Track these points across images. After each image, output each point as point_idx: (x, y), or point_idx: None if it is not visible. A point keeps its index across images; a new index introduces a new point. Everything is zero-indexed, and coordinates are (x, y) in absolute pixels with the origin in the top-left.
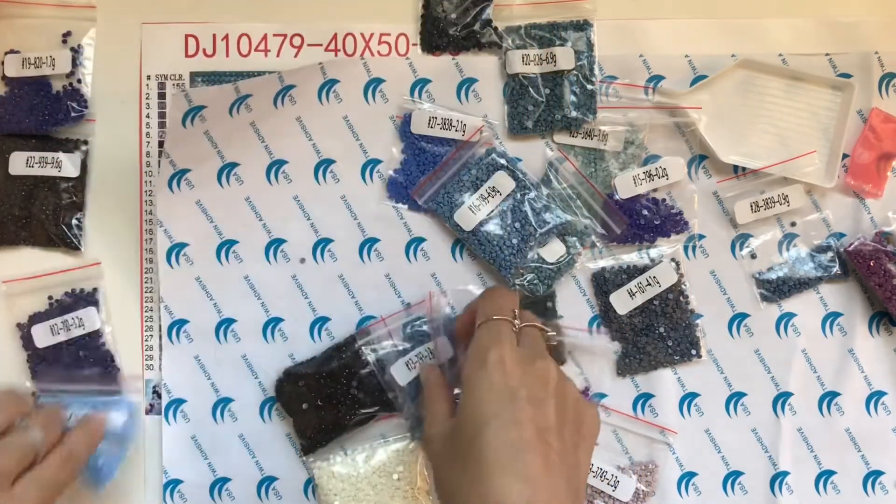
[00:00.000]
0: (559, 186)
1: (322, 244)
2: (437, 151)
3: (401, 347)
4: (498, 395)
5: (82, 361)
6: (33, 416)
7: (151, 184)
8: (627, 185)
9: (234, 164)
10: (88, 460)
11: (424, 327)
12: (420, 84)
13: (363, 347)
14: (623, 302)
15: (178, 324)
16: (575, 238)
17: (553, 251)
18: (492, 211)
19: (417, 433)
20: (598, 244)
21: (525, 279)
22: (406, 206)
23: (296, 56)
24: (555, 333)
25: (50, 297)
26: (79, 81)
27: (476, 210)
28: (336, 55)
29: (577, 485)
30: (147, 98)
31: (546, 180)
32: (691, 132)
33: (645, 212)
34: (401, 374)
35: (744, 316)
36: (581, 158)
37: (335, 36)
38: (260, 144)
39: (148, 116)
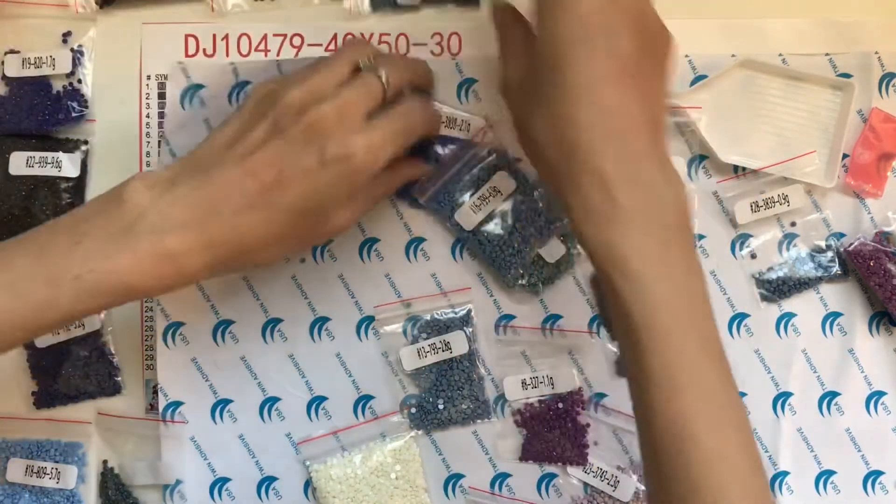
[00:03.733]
0: None
1: (322, 244)
2: (440, 149)
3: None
4: (574, 24)
5: (82, 361)
6: (379, 59)
7: None
8: None
9: None
10: None
11: (444, 317)
12: None
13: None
14: None
15: (174, 327)
16: (573, 241)
17: (553, 251)
18: (493, 211)
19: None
20: None
21: (525, 279)
22: (406, 203)
23: (296, 56)
24: None
25: None
26: (79, 81)
27: (477, 210)
28: None
29: (657, 118)
30: (147, 98)
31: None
32: (691, 132)
33: None
34: (410, 359)
35: (744, 316)
36: None
37: (335, 36)
38: None
39: (148, 116)
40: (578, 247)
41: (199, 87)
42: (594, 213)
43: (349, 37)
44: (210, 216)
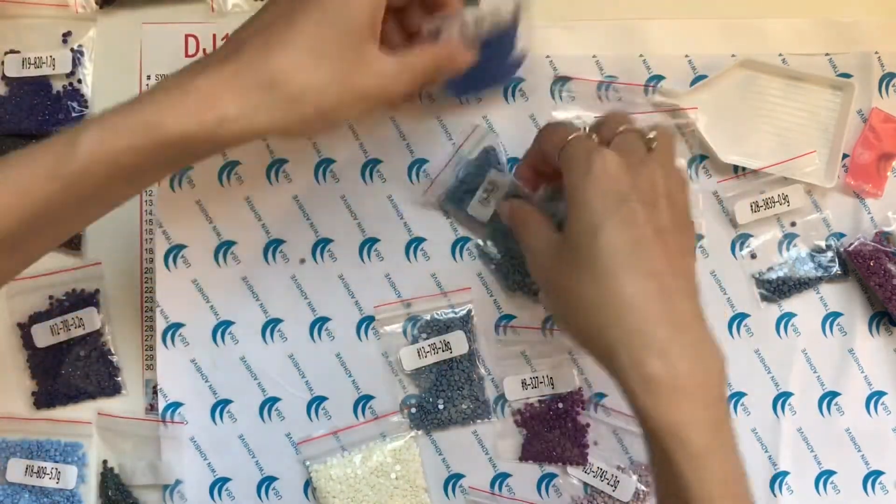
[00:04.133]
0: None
1: (322, 244)
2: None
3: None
4: (609, 198)
5: (82, 361)
6: None
7: None
8: None
9: (235, 163)
10: None
11: (444, 317)
12: None
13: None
14: None
15: (174, 328)
16: None
17: None
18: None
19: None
20: None
21: (526, 287)
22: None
23: None
24: (654, 135)
25: (50, 297)
26: (79, 81)
27: (486, 203)
28: None
29: (692, 278)
30: None
31: (556, 193)
32: (691, 132)
33: None
34: (410, 359)
35: (744, 316)
36: None
37: None
38: (262, 142)
39: None
40: None
41: None
42: (654, 385)
43: None
44: (234, 51)
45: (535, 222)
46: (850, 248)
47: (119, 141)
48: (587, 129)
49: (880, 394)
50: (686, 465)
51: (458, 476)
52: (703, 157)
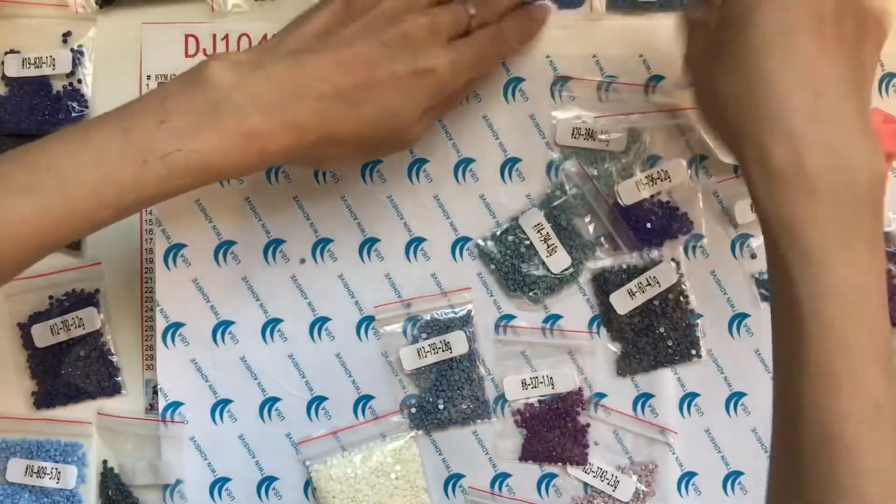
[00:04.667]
0: (572, 197)
1: (322, 244)
2: None
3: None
4: None
5: (82, 361)
6: None
7: None
8: (631, 190)
9: None
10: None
11: (444, 317)
12: None
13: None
14: (623, 302)
15: (174, 327)
16: (582, 252)
17: (558, 262)
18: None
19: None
20: (603, 256)
21: (528, 291)
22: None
23: None
24: None
25: (50, 297)
26: (79, 81)
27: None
28: None
29: (859, 81)
30: None
31: (557, 193)
32: (691, 132)
33: (651, 216)
34: (410, 359)
35: (744, 316)
36: (583, 160)
37: None
38: None
39: None
40: (586, 263)
41: None
42: (776, 177)
43: None
44: (298, 99)
45: (694, 19)
46: None
47: (182, 183)
48: None
49: None
50: (798, 271)
51: (458, 476)
52: (703, 158)
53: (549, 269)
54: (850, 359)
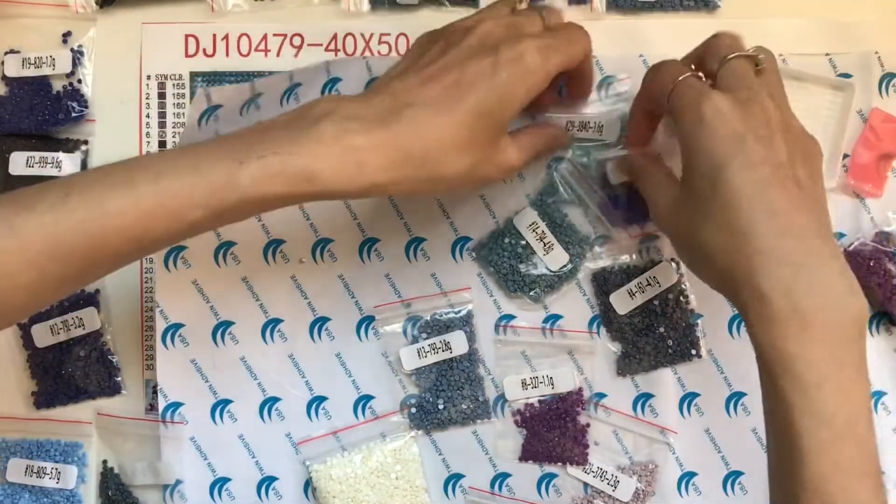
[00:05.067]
0: (565, 193)
1: (322, 244)
2: None
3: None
4: (725, 141)
5: (82, 361)
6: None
7: None
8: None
9: None
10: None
11: (444, 317)
12: None
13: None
14: (623, 302)
15: (173, 328)
16: (579, 247)
17: (556, 259)
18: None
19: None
20: (599, 248)
21: (529, 290)
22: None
23: (296, 56)
24: (764, 56)
25: None
26: (79, 81)
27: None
28: (336, 55)
29: (822, 215)
30: (147, 98)
31: (548, 191)
32: None
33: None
34: (410, 359)
35: None
36: (576, 150)
37: (335, 36)
38: None
39: (148, 116)
40: (584, 257)
41: (217, 107)
42: (773, 319)
43: (349, 36)
44: (394, 116)
45: (655, 174)
46: (850, 249)
47: (276, 187)
48: (691, 62)
49: (880, 394)
50: (794, 399)
51: (458, 476)
52: None
53: (547, 267)
54: (843, 477)
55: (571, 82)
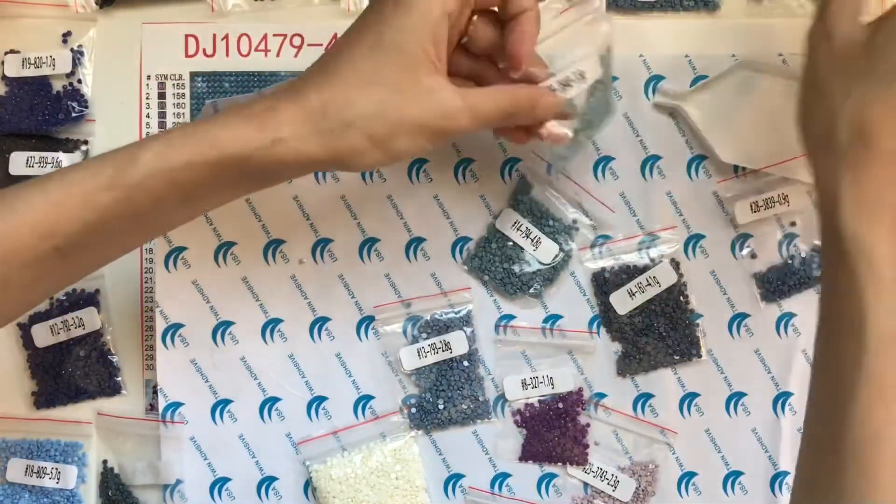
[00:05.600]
0: (536, 193)
1: (322, 244)
2: None
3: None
4: None
5: (82, 361)
6: None
7: None
8: None
9: None
10: None
11: (444, 317)
12: None
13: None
14: (623, 302)
15: (173, 328)
16: (566, 235)
17: (546, 252)
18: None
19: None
20: (590, 235)
21: (525, 289)
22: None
23: (296, 56)
24: None
25: (50, 298)
26: (79, 81)
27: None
28: None
29: None
30: (147, 98)
31: (522, 189)
32: (691, 132)
33: None
34: (410, 359)
35: (744, 316)
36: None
37: (335, 36)
38: None
39: (148, 116)
40: (571, 243)
41: None
42: (870, 207)
43: None
44: (303, 76)
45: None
46: None
47: (177, 156)
48: None
49: None
50: (870, 292)
51: (458, 476)
52: (703, 157)
53: (540, 262)
54: None
55: (510, 25)
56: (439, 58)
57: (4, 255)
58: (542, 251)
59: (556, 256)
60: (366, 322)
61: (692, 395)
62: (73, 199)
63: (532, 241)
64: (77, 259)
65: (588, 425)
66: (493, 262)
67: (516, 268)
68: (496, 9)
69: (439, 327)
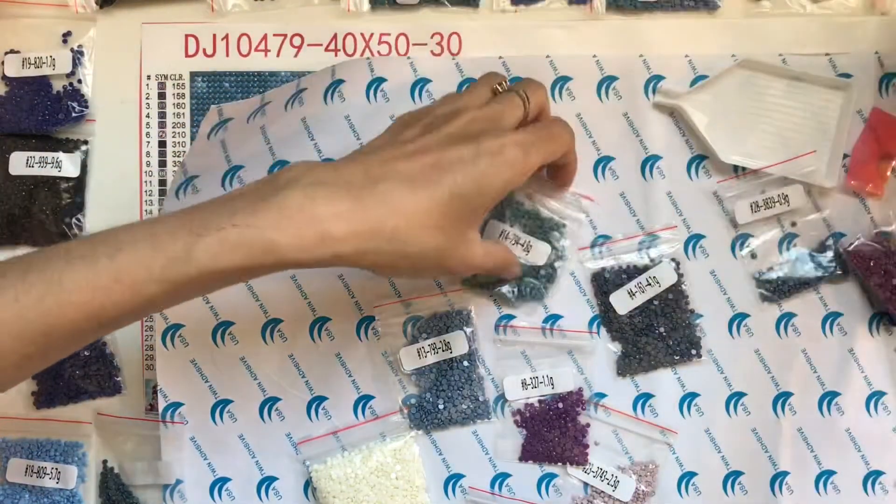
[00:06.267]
0: (517, 198)
1: None
2: None
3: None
4: None
5: (82, 361)
6: (515, 83)
7: (151, 184)
8: None
9: (238, 167)
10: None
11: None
12: (420, 84)
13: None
14: (623, 302)
15: (173, 328)
16: (556, 232)
17: (539, 253)
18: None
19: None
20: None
21: (533, 292)
22: None
23: (296, 56)
24: None
25: None
26: (79, 81)
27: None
28: (336, 55)
29: None
30: (147, 98)
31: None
32: (691, 132)
33: None
34: (410, 359)
35: (744, 316)
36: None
37: (335, 36)
38: (265, 147)
39: (148, 116)
40: (562, 241)
41: (228, 120)
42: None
43: (349, 36)
44: (366, 187)
45: None
46: (850, 248)
47: (234, 260)
48: None
49: (880, 394)
50: None
51: (458, 476)
52: (703, 157)
53: (534, 266)
54: None
55: (554, 172)
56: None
57: (48, 329)
58: (535, 254)
59: (550, 255)
60: (366, 322)
61: (692, 395)
62: (122, 286)
63: (523, 246)
64: (110, 330)
65: (588, 425)
66: (489, 276)
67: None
68: None
69: (439, 327)
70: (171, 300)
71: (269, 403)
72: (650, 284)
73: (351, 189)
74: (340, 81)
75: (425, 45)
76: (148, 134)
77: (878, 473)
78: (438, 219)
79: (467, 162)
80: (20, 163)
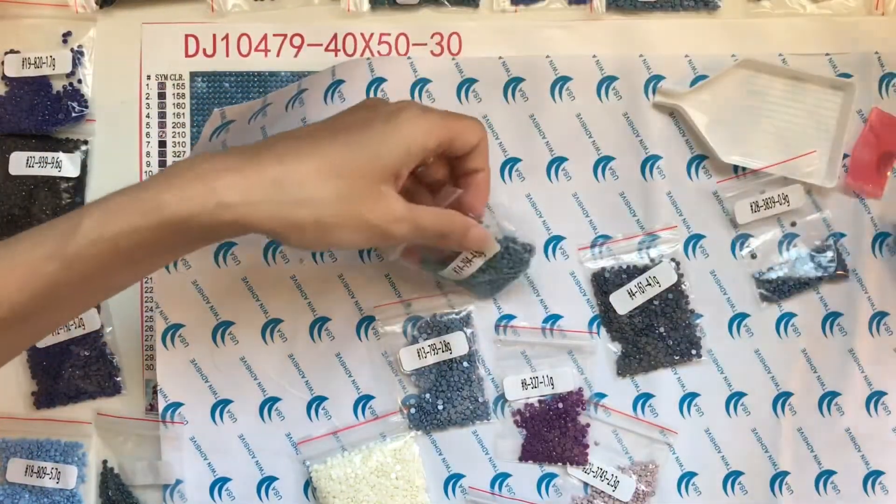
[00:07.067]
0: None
1: None
2: None
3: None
4: None
5: (82, 361)
6: None
7: None
8: None
9: None
10: None
11: (444, 317)
12: (420, 84)
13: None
14: (623, 302)
15: (173, 328)
16: (513, 245)
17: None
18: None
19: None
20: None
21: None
22: None
23: (296, 56)
24: None
25: None
26: (79, 81)
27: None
28: (336, 55)
29: None
30: (147, 98)
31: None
32: (691, 132)
33: None
34: (410, 360)
35: (744, 316)
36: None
37: (335, 36)
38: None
39: (148, 116)
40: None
41: (230, 122)
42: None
43: (349, 36)
44: (260, 147)
45: None
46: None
47: (119, 223)
48: None
49: (880, 394)
50: None
51: (458, 476)
52: (703, 157)
53: (498, 263)
54: None
55: (466, 180)
56: (399, 177)
57: None
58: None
59: (502, 243)
60: (366, 322)
61: (692, 395)
62: (18, 269)
63: (467, 261)
64: (22, 328)
65: (588, 425)
66: (476, 287)
67: (486, 276)
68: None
69: (439, 328)
70: (70, 277)
71: (269, 403)
72: (650, 284)
73: (244, 151)
74: (341, 82)
75: (425, 45)
76: (148, 134)
77: (878, 473)
78: (336, 167)
79: (364, 120)
80: (20, 163)
